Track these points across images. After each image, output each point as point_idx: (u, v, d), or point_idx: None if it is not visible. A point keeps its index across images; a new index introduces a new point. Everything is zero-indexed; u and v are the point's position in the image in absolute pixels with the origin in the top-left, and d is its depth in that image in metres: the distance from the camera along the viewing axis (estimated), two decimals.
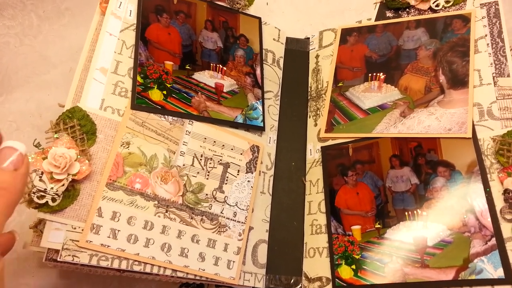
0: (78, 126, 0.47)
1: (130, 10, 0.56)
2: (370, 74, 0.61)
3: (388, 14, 0.65)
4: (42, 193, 0.44)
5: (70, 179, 0.45)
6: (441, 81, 0.57)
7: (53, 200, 0.44)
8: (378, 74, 0.61)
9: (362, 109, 0.60)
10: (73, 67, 0.75)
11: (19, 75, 0.75)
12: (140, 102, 0.53)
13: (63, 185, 0.44)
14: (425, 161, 0.54)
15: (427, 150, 0.54)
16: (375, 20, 0.65)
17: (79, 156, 0.46)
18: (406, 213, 0.52)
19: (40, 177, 0.44)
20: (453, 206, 0.50)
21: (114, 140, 0.50)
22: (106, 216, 0.47)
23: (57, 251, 0.46)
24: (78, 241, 0.45)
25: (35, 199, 0.43)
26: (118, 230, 0.48)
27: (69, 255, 0.45)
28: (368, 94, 0.60)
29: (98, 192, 0.47)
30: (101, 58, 0.52)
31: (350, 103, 0.61)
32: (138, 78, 0.54)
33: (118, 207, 0.48)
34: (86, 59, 0.56)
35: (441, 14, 0.61)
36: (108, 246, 0.47)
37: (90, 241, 0.46)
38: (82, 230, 0.46)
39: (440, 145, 0.53)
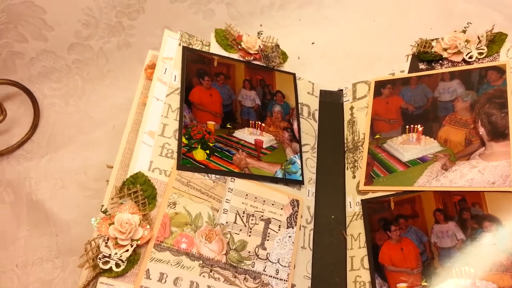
0: (141, 191, 0.49)
1: (175, 76, 0.59)
2: (407, 126, 0.62)
3: (421, 66, 0.66)
4: (107, 259, 0.45)
5: (135, 245, 0.46)
6: (481, 133, 0.57)
7: (117, 265, 0.45)
8: (416, 126, 0.61)
9: (402, 162, 0.60)
10: (116, 125, 0.79)
11: (65, 134, 0.79)
12: (185, 162, 0.55)
13: (127, 250, 0.46)
14: (470, 216, 0.53)
15: (471, 204, 0.53)
16: (408, 72, 0.67)
17: (141, 221, 0.47)
18: (454, 270, 0.51)
19: (106, 242, 0.45)
20: (502, 263, 0.49)
21: (162, 201, 0.52)
22: (154, 278, 0.48)
23: None
24: None
25: (100, 265, 0.44)
26: None
27: None
28: (407, 147, 0.60)
29: (147, 254, 0.49)
30: (149, 122, 0.55)
31: (388, 155, 0.61)
32: (183, 140, 0.56)
33: (165, 268, 0.49)
34: (133, 122, 0.59)
35: (475, 66, 0.62)
36: None
37: None
38: None
39: (485, 198, 0.53)
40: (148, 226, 0.48)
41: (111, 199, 0.49)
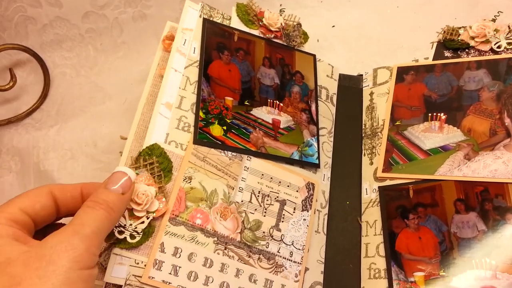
0: (157, 163, 0.48)
1: (194, 48, 0.57)
2: (430, 114, 0.60)
3: (447, 53, 0.65)
4: (122, 229, 0.44)
5: (151, 218, 0.45)
6: (506, 124, 0.55)
7: (132, 237, 0.44)
8: (439, 114, 0.60)
9: (423, 150, 0.58)
10: (128, 98, 0.77)
11: (75, 104, 0.78)
12: (202, 137, 0.53)
13: (142, 222, 0.44)
14: (493, 207, 0.51)
15: (494, 195, 0.52)
16: (433, 60, 0.65)
17: (157, 194, 0.46)
18: (474, 261, 0.50)
19: None
20: None
21: (177, 174, 0.50)
22: (168, 252, 0.47)
23: (116, 286, 0.45)
24: (140, 276, 0.45)
25: (116, 234, 0.43)
26: (179, 267, 0.47)
27: None
28: (429, 135, 0.59)
29: (162, 227, 0.47)
30: (166, 93, 0.53)
31: (409, 143, 0.60)
32: (200, 114, 0.54)
33: (179, 243, 0.48)
34: (149, 93, 0.57)
35: (503, 55, 0.60)
36: (169, 283, 0.46)
37: (153, 277, 0.45)
38: (145, 265, 0.45)
39: (508, 190, 0.51)
40: (163, 199, 0.47)
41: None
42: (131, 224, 0.44)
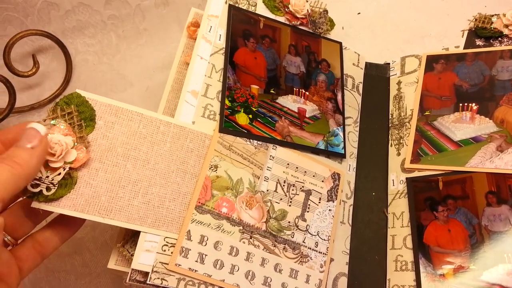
0: (76, 112, 0.45)
1: (220, 35, 0.57)
2: (460, 104, 0.59)
3: (478, 42, 0.63)
4: (37, 181, 0.41)
5: (68, 168, 0.43)
6: None
7: (48, 189, 0.42)
8: (470, 104, 0.58)
9: (453, 141, 0.57)
10: (150, 86, 0.77)
11: (97, 92, 0.76)
12: (227, 125, 0.52)
13: (59, 174, 0.42)
14: None
15: None
16: (464, 48, 0.63)
17: (76, 144, 0.44)
18: (506, 256, 0.48)
19: None
20: None
21: (203, 162, 0.50)
22: (195, 240, 0.47)
23: (141, 273, 0.45)
24: (167, 264, 0.45)
25: (29, 188, 0.41)
26: (206, 255, 0.47)
27: (158, 278, 0.44)
28: (460, 125, 0.57)
29: (188, 215, 0.47)
30: (192, 81, 0.53)
31: (438, 134, 0.58)
32: (226, 102, 0.53)
33: (206, 231, 0.47)
34: (174, 81, 0.57)
35: None
36: (195, 270, 0.46)
37: (179, 265, 0.45)
38: (172, 252, 0.45)
39: None
40: (84, 149, 0.44)
41: (43, 120, 0.44)
42: (47, 176, 0.42)
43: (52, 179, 0.42)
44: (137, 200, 0.46)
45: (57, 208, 0.43)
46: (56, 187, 0.42)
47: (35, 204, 0.42)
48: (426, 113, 0.60)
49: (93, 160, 0.45)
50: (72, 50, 0.78)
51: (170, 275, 0.45)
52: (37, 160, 0.39)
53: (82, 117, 0.46)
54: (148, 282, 0.44)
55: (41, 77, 0.77)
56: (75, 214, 0.43)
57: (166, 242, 0.46)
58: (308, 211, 0.55)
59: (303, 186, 0.55)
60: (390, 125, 0.64)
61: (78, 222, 0.46)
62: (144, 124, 0.49)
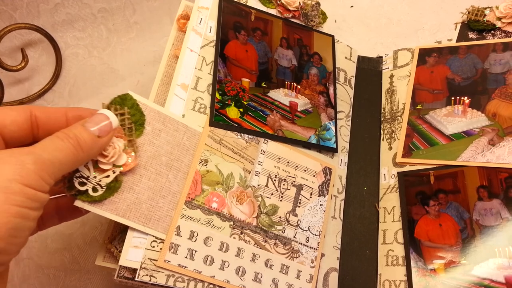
0: (128, 114, 0.44)
1: (210, 27, 0.56)
2: (453, 98, 0.58)
3: (471, 35, 0.62)
4: (84, 180, 0.40)
5: (118, 172, 0.42)
6: None
7: (94, 190, 0.41)
8: (462, 98, 0.58)
9: (445, 135, 0.56)
10: (141, 80, 0.76)
11: (87, 86, 0.76)
12: (218, 119, 0.52)
13: (107, 176, 0.41)
14: None
15: None
16: (457, 41, 0.62)
17: (126, 147, 0.43)
18: (496, 250, 0.48)
19: (86, 164, 0.41)
20: None
21: (193, 157, 0.49)
22: (184, 236, 0.46)
23: (130, 269, 0.45)
24: (156, 260, 0.44)
25: (76, 184, 0.40)
26: (195, 251, 0.46)
27: (147, 274, 0.44)
28: (451, 119, 0.57)
29: (177, 210, 0.46)
30: (182, 74, 0.52)
31: (430, 127, 0.58)
32: (217, 95, 0.53)
33: (195, 227, 0.47)
34: (163, 74, 0.56)
35: None
36: (185, 267, 0.45)
37: (168, 261, 0.45)
38: (161, 249, 0.45)
39: None
40: (133, 154, 0.44)
41: None
42: (95, 177, 0.41)
43: (100, 180, 0.41)
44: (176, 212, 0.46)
45: (100, 210, 0.42)
46: (103, 190, 0.41)
47: (78, 203, 0.41)
48: (418, 107, 0.60)
49: (138, 166, 0.45)
50: (61, 44, 0.77)
51: (159, 271, 0.44)
52: (97, 151, 0.38)
53: (133, 120, 0.45)
54: (136, 279, 0.44)
55: (30, 71, 0.76)
56: (117, 219, 0.43)
57: (155, 238, 0.45)
58: (299, 206, 0.54)
59: (294, 181, 0.55)
60: (382, 119, 0.64)
61: (84, 212, 0.45)
62: (188, 137, 0.49)
